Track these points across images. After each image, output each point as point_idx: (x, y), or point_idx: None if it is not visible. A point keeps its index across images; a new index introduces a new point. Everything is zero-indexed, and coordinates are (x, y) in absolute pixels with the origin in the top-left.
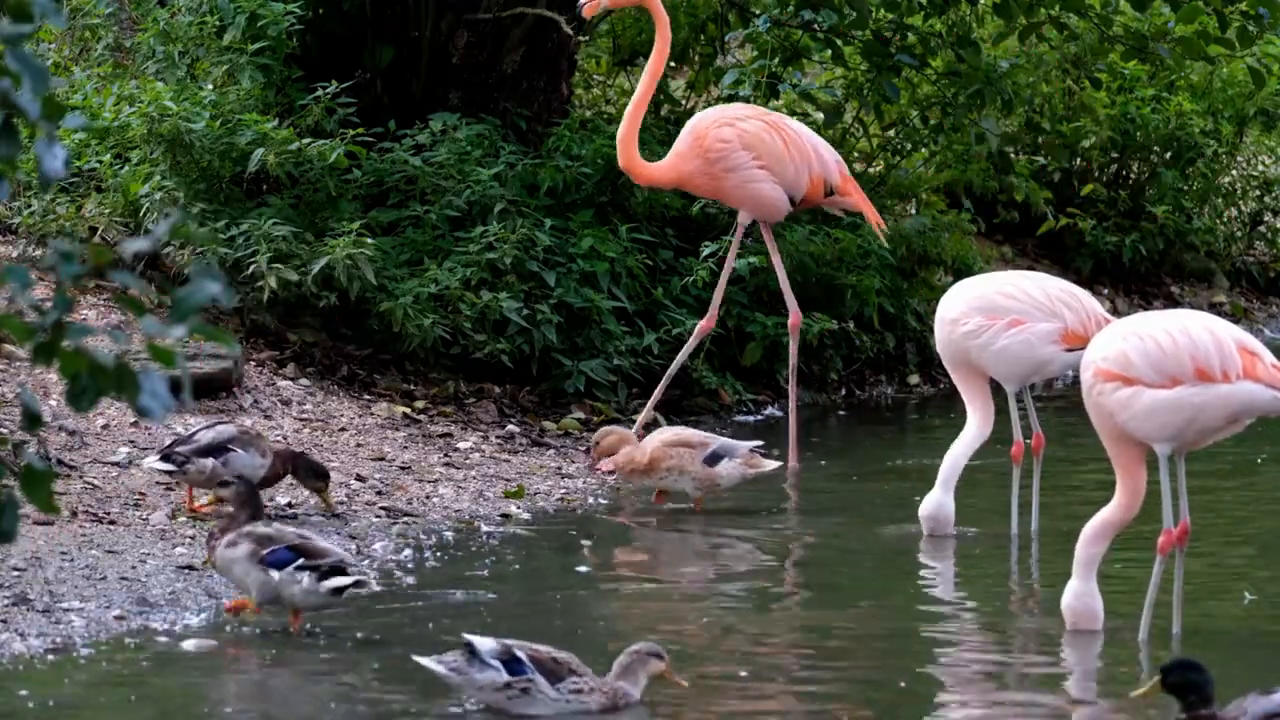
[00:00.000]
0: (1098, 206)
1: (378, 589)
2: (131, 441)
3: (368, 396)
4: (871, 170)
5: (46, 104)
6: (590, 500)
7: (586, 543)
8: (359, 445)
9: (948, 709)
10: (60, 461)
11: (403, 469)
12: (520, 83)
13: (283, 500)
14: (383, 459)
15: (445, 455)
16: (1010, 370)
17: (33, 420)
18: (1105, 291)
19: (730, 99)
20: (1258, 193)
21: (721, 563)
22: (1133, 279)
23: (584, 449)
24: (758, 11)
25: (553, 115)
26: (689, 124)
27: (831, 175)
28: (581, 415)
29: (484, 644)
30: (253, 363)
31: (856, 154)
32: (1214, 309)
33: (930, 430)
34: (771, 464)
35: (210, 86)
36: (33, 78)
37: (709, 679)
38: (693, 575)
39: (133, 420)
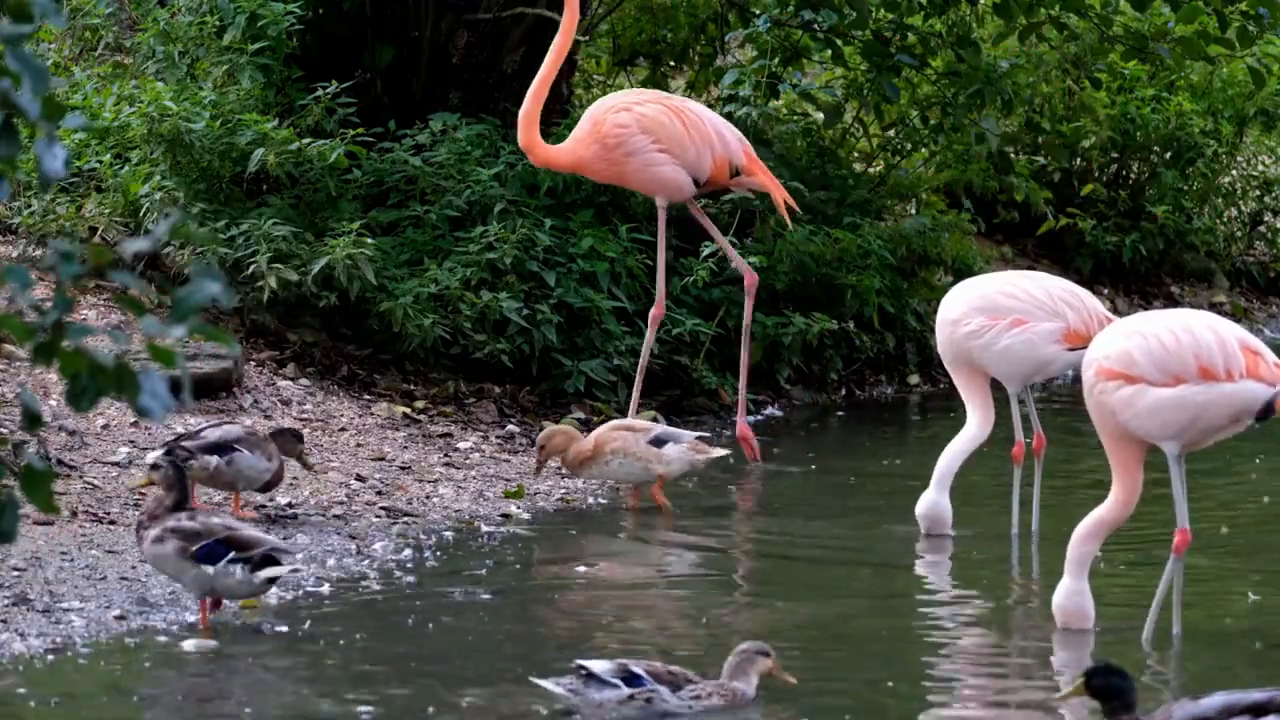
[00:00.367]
0: (1098, 206)
1: (376, 589)
2: (131, 441)
3: (368, 396)
4: (871, 170)
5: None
6: (590, 500)
7: (586, 543)
8: (359, 445)
9: (946, 708)
10: (60, 461)
11: (403, 469)
12: (520, 83)
13: (283, 500)
14: (383, 459)
15: (445, 455)
16: (1012, 370)
17: (33, 420)
18: (1105, 291)
19: (730, 99)
20: (1258, 193)
21: (720, 562)
22: (1133, 279)
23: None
24: (758, 11)
25: (553, 115)
26: (588, 110)
27: (736, 156)
28: (581, 415)
29: (599, 665)
30: (253, 363)
31: (856, 154)
32: (1214, 309)
33: (930, 430)
34: (718, 451)
35: (210, 86)
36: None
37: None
38: (692, 575)
39: (133, 420)
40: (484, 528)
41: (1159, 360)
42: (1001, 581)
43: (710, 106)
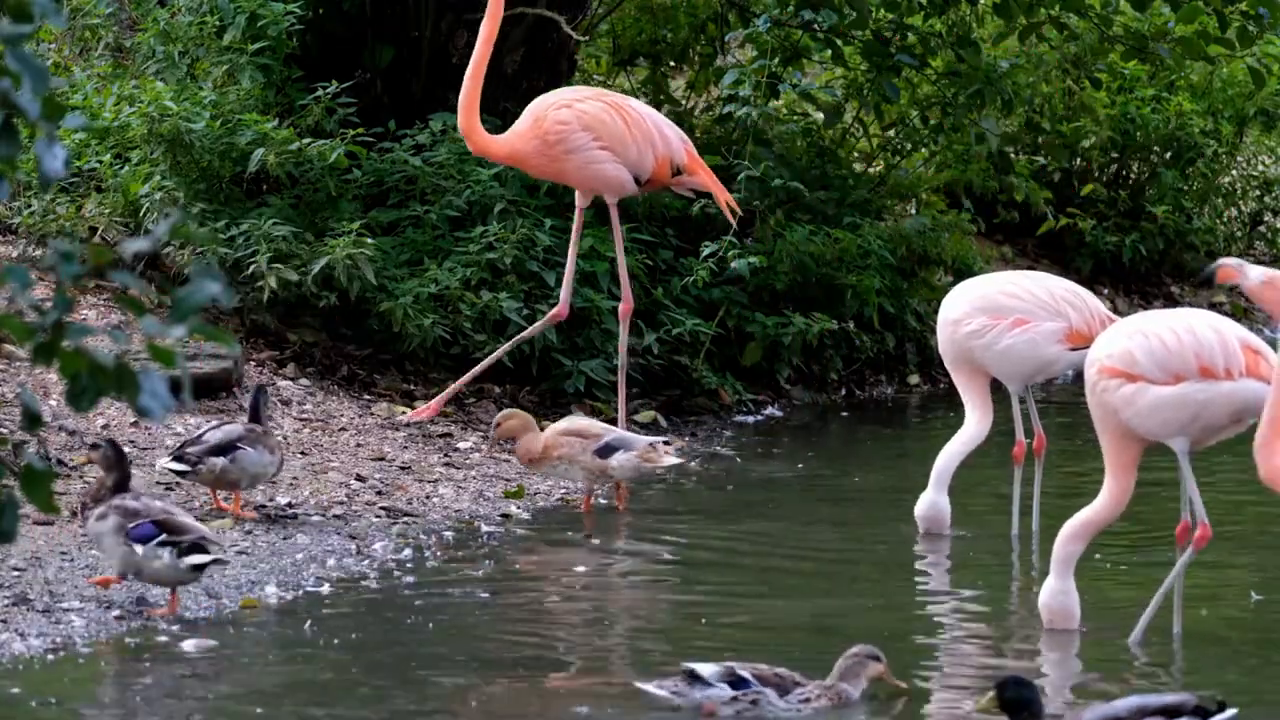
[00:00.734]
0: (1098, 206)
1: (376, 589)
2: (131, 441)
3: (368, 396)
4: (871, 170)
5: (46, 104)
6: (590, 500)
7: (586, 543)
8: (359, 445)
9: (944, 707)
10: (60, 461)
11: (403, 469)
12: (520, 83)
13: (283, 500)
14: (383, 459)
15: (445, 455)
16: (1014, 370)
17: (33, 420)
18: (1105, 291)
19: (730, 99)
20: (1258, 193)
21: (720, 562)
22: (1133, 279)
23: None
24: (758, 11)
25: None
26: (531, 105)
27: (677, 155)
28: (581, 415)
29: (705, 668)
30: (253, 363)
31: (856, 154)
32: (1214, 309)
33: (930, 430)
34: (671, 459)
35: (210, 86)
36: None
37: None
38: (691, 574)
39: (133, 420)
40: (484, 528)
41: (1160, 359)
42: (1001, 582)
43: (710, 106)
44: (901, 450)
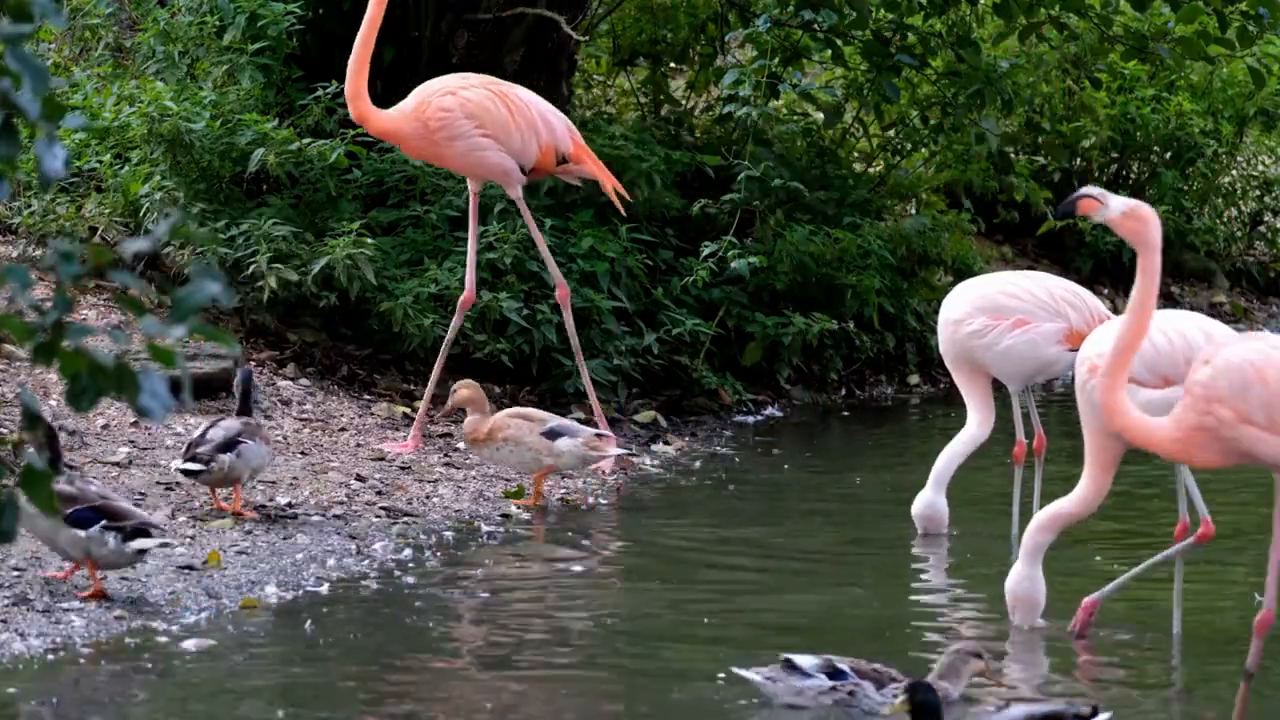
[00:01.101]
0: None
1: (376, 589)
2: (131, 441)
3: (368, 396)
4: (871, 170)
5: (46, 104)
6: (590, 500)
7: (586, 543)
8: (359, 445)
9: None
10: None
11: (403, 469)
12: (520, 83)
13: (283, 500)
14: (383, 459)
15: (445, 455)
16: (1015, 370)
17: (33, 420)
18: (1105, 291)
19: (730, 99)
20: (1258, 193)
21: (719, 561)
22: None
23: None
24: (758, 11)
25: None
26: (419, 87)
27: (563, 144)
28: (581, 415)
29: (804, 659)
30: (253, 363)
31: (856, 154)
32: (1214, 309)
33: (930, 430)
34: (615, 450)
35: (210, 86)
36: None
37: (708, 676)
38: (691, 573)
39: (133, 420)
40: (484, 528)
41: (1149, 361)
42: (1000, 582)
43: (710, 106)
44: (901, 450)
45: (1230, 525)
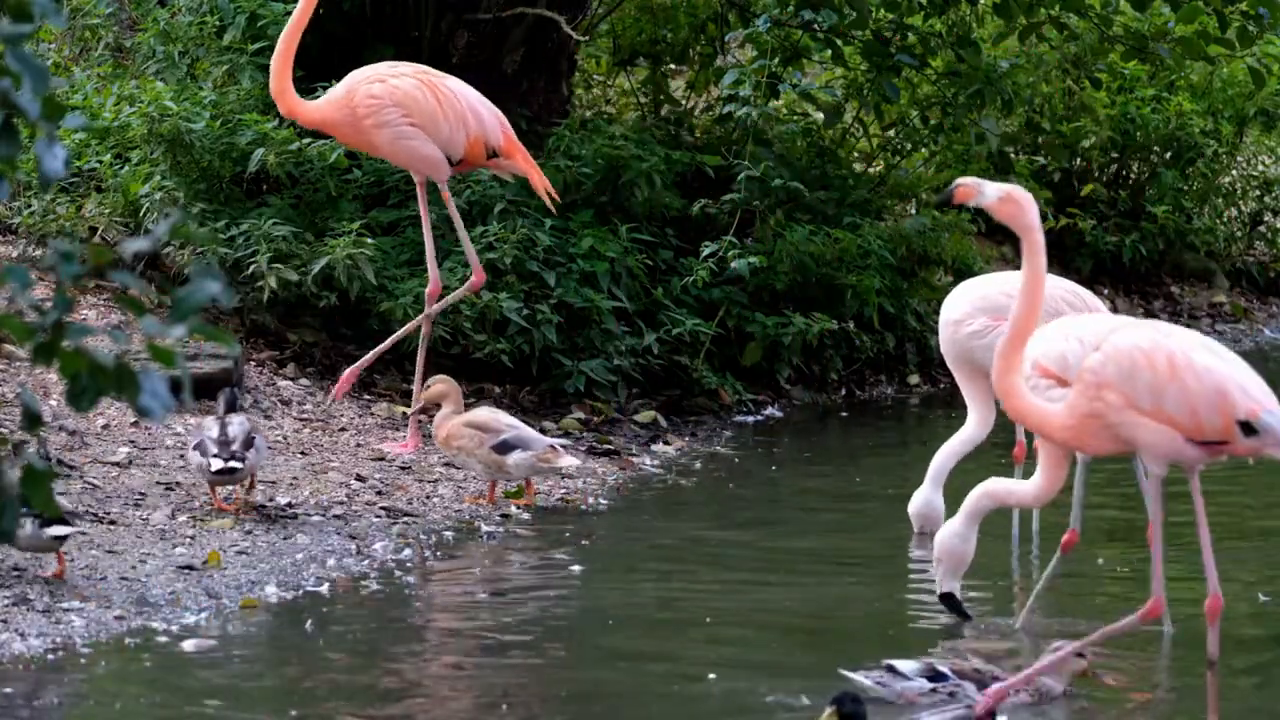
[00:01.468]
0: (1098, 206)
1: (376, 589)
2: (131, 441)
3: (368, 396)
4: (871, 170)
5: (46, 104)
6: (590, 500)
7: (586, 543)
8: (359, 445)
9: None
10: (60, 461)
11: (403, 469)
12: (520, 83)
13: (283, 500)
14: (383, 459)
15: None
16: None
17: (33, 420)
18: (1105, 291)
19: (730, 99)
20: (1258, 193)
21: (718, 561)
22: (1133, 279)
23: (584, 449)
24: (758, 11)
25: (553, 115)
26: (349, 75)
27: (492, 137)
28: (581, 415)
29: (906, 664)
30: (253, 363)
31: (856, 154)
32: (1214, 309)
33: (930, 430)
34: (569, 460)
35: (210, 86)
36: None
37: (709, 676)
38: (691, 573)
39: (133, 420)
40: (484, 528)
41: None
42: (999, 582)
43: (710, 106)
44: (901, 450)
45: (1232, 527)
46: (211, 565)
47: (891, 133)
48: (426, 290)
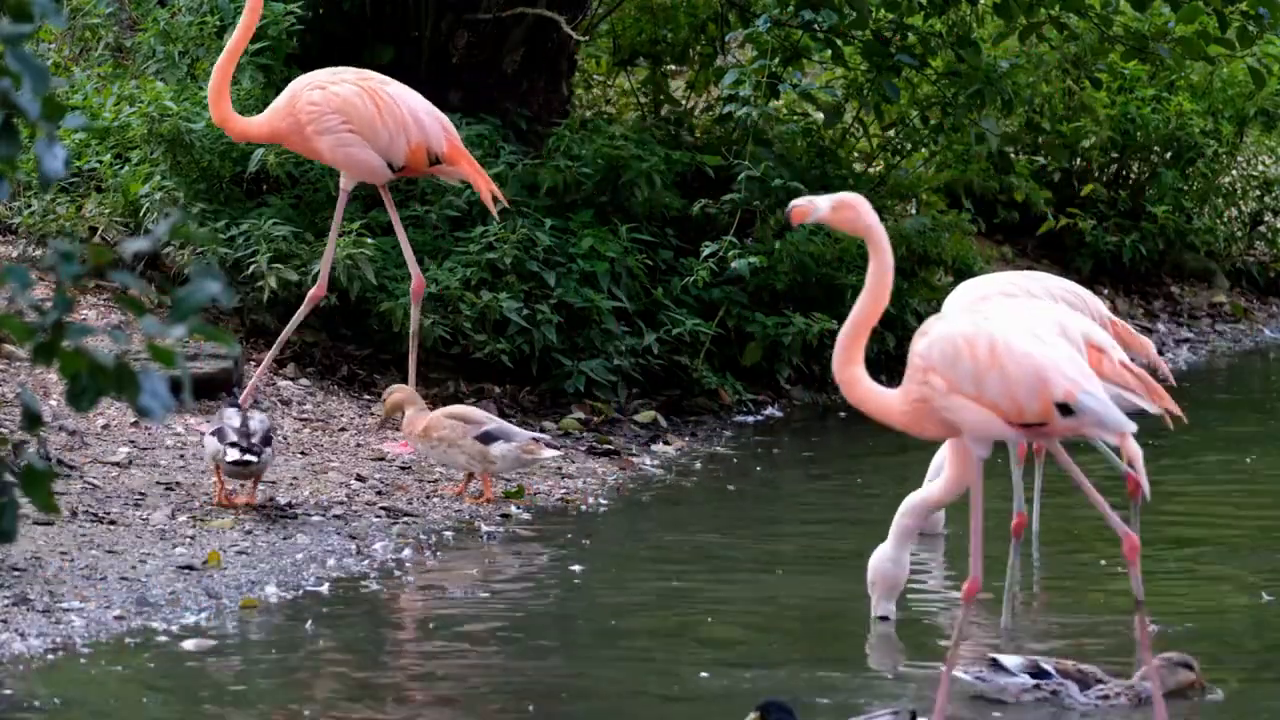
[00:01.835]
0: (1098, 206)
1: (376, 589)
2: (131, 441)
3: (368, 396)
4: (871, 170)
5: (46, 104)
6: (590, 500)
7: (586, 543)
8: (359, 445)
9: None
10: (60, 461)
11: (403, 469)
12: (520, 83)
13: (283, 500)
14: (383, 459)
15: None
16: None
17: (33, 420)
18: (1105, 291)
19: (730, 99)
20: (1258, 193)
21: (718, 561)
22: (1133, 279)
23: (584, 449)
24: (758, 11)
25: (553, 115)
26: (291, 83)
27: (435, 144)
28: (581, 415)
29: (1009, 660)
30: (253, 363)
31: (856, 154)
32: (1214, 309)
33: None
34: (550, 452)
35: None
36: (33, 78)
37: (708, 676)
38: (690, 573)
39: (133, 420)
40: (484, 528)
41: None
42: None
43: (710, 106)
44: (901, 450)
45: (1232, 527)
46: (211, 565)
47: (891, 133)
48: (311, 292)
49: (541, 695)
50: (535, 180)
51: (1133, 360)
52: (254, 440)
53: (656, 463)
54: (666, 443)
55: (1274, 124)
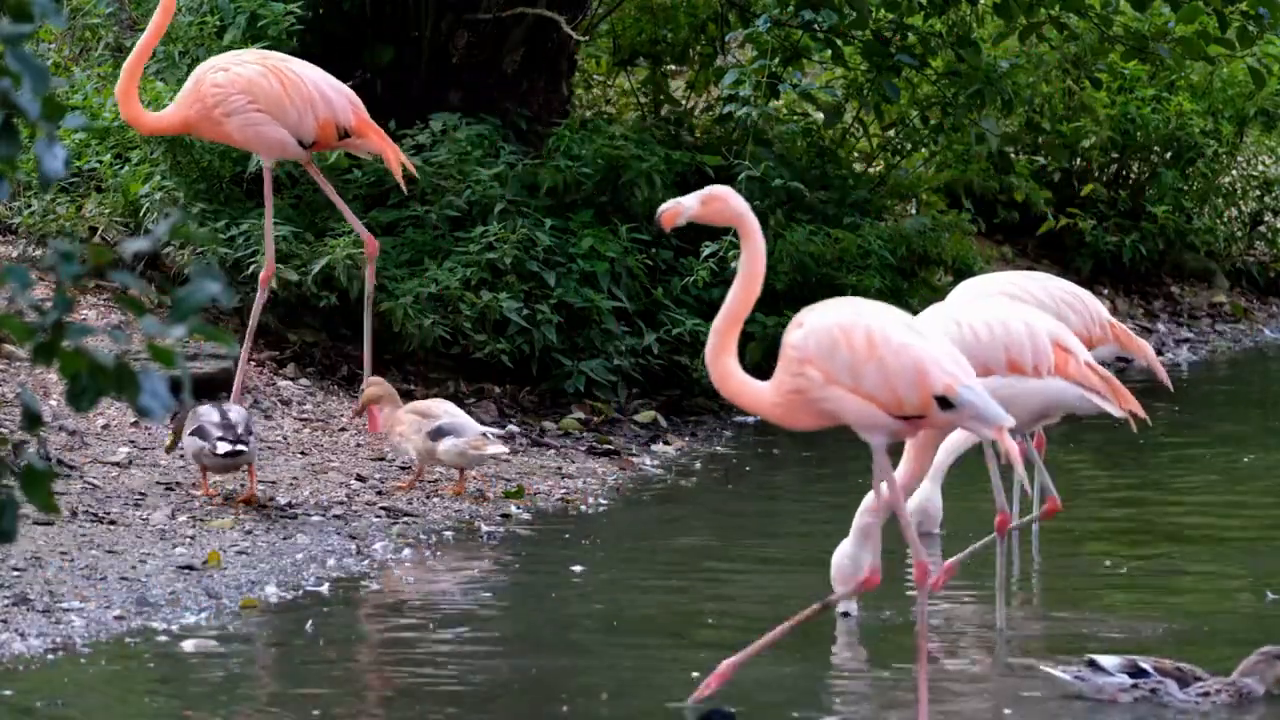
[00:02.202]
0: (1098, 206)
1: (376, 589)
2: (131, 441)
3: None
4: (871, 170)
5: (46, 104)
6: (590, 500)
7: (586, 543)
8: (359, 445)
9: (938, 701)
10: (60, 461)
11: (403, 469)
12: (520, 83)
13: (283, 500)
14: (383, 459)
15: None
16: None
17: (33, 420)
18: (1105, 291)
19: (730, 99)
20: (1258, 193)
21: (718, 561)
22: (1133, 279)
23: (584, 449)
24: (758, 11)
25: (553, 115)
26: (194, 70)
27: (342, 117)
28: (581, 415)
29: (1107, 660)
30: (253, 363)
31: (856, 154)
32: (1214, 309)
33: None
34: (496, 447)
35: None
36: (33, 78)
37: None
38: (691, 573)
39: (133, 420)
40: (484, 528)
41: (970, 350)
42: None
43: (710, 106)
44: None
45: (1232, 528)
46: (211, 565)
47: (891, 133)
48: (261, 274)
49: (541, 695)
50: (535, 180)
51: (1131, 363)
52: (239, 431)
53: (656, 463)
54: (666, 443)
55: (1274, 124)
